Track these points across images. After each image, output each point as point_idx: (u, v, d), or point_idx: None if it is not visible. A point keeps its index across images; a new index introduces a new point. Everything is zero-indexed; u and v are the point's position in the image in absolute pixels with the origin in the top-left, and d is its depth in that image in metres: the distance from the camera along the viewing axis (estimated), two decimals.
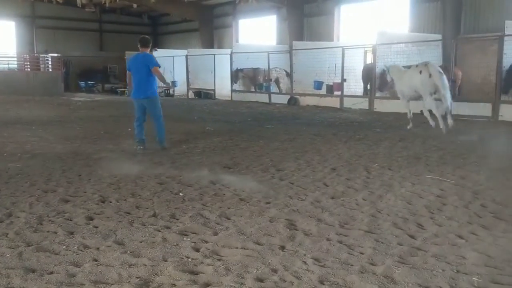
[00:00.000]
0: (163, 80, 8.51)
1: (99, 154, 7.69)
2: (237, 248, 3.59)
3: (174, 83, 24.71)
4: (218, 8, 27.24)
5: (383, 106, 15.24)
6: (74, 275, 3.05)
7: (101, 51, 31.53)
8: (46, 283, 2.93)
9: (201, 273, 3.12)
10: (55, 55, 26.07)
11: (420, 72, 9.92)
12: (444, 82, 9.85)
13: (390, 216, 4.38)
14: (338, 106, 16.68)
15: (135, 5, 25.52)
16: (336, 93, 17.22)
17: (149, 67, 7.91)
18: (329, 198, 5.02)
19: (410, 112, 10.93)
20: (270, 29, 24.63)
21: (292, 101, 18.29)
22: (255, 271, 3.14)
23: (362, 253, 3.46)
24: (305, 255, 3.42)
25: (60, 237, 3.74)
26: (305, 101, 18.13)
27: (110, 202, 4.83)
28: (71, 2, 25.17)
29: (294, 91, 18.78)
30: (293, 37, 20.83)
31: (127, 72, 8.46)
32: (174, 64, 24.19)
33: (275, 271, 3.15)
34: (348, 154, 7.72)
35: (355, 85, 17.30)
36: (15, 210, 4.45)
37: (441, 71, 10.02)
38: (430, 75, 9.74)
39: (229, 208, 4.64)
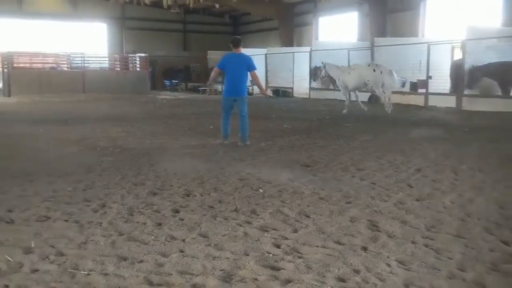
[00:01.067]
0: (260, 86, 8.90)
1: (183, 150, 8.00)
2: (317, 246, 3.57)
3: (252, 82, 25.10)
4: (299, 6, 27.17)
5: (472, 104, 14.41)
6: (162, 264, 3.20)
7: (184, 51, 32.71)
8: (136, 271, 3.10)
9: (282, 269, 3.15)
10: (143, 55, 27.42)
11: (374, 70, 13.67)
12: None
13: (481, 220, 4.14)
14: (422, 104, 16.00)
15: (217, 5, 26.16)
16: (420, 90, 16.54)
17: (247, 69, 8.17)
18: (413, 200, 4.84)
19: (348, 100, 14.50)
20: (351, 26, 24.15)
21: (373, 99, 17.83)
22: (336, 271, 3.11)
23: (450, 258, 3.31)
24: (388, 257, 3.33)
25: (149, 228, 3.94)
26: None
27: (195, 196, 5.01)
28: (157, 4, 26.37)
29: None
30: (374, 34, 20.28)
31: (216, 68, 8.53)
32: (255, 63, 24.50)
33: (357, 271, 3.10)
34: (433, 154, 7.40)
35: (440, 83, 16.50)
36: (108, 201, 4.75)
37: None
38: (381, 72, 13.50)
39: (308, 206, 4.63)
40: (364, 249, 3.50)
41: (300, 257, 3.34)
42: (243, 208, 4.54)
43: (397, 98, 16.99)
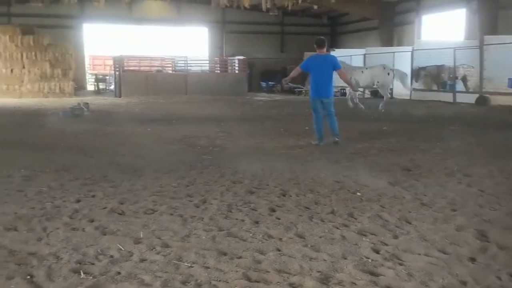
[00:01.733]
0: (349, 82, 8.96)
1: (279, 150, 8.09)
2: (419, 254, 3.41)
3: None
4: (400, 4, 26.18)
5: None
6: (259, 262, 3.26)
7: (282, 53, 33.01)
8: (236, 266, 3.19)
9: (382, 275, 3.05)
10: (241, 57, 28.15)
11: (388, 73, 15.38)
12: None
13: None
14: None
15: (315, 7, 26.04)
16: None
17: (333, 69, 8.21)
18: None
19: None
20: (457, 24, 22.75)
21: (481, 100, 16.66)
22: (440, 281, 2.95)
23: None
24: (499, 270, 3.10)
25: (247, 225, 4.04)
26: (496, 100, 16.35)
27: (290, 196, 5.04)
28: (256, 7, 26.89)
29: (483, 90, 17.06)
30: (484, 31, 18.91)
31: (298, 68, 8.74)
32: (351, 63, 24.07)
33: (464, 283, 2.91)
34: None
35: None
36: (208, 198, 4.94)
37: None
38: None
39: (409, 212, 4.45)
40: (472, 260, 3.28)
41: (401, 264, 3.22)
42: (340, 210, 4.48)
43: (508, 100, 15.75)
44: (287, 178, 5.83)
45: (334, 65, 8.34)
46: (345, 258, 3.33)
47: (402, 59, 21.00)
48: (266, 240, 3.70)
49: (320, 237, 3.76)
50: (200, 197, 4.97)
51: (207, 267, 3.16)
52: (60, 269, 3.13)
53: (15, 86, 22.71)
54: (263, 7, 25.25)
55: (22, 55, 22.77)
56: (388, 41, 26.13)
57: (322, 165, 6.73)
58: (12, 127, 11.23)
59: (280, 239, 3.72)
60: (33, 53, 22.91)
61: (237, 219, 4.22)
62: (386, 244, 3.60)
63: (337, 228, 3.98)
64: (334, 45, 31.08)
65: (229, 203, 4.71)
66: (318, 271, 3.11)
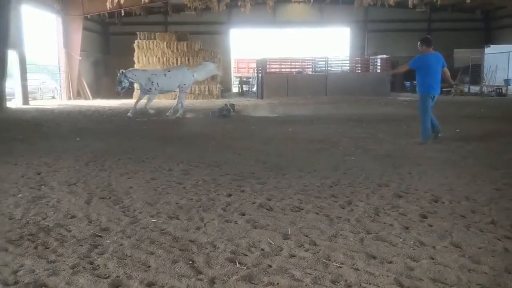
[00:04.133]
0: (450, 80, 9.43)
1: (427, 153, 7.66)
2: None
3: (508, 81, 22.40)
4: None
5: None
6: (412, 268, 3.13)
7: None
8: (386, 270, 3.11)
9: None
10: (384, 56, 27.28)
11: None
12: None
13: None
14: None
15: (468, 0, 24.07)
16: None
17: (442, 66, 8.63)
18: None
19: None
20: None
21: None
22: None
23: None
24: None
25: (396, 230, 3.90)
26: None
27: (443, 202, 4.74)
28: (401, 4, 25.83)
29: None
30: None
31: (406, 65, 9.16)
32: (509, 60, 21.84)
33: None
34: None
35: None
36: (354, 199, 4.89)
37: None
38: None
39: None
40: None
41: None
42: (501, 221, 4.09)
43: None
44: (438, 183, 5.50)
45: (443, 63, 8.70)
46: (509, 273, 3.04)
47: None
48: (418, 247, 3.53)
49: (479, 248, 3.47)
50: (345, 198, 4.94)
51: (357, 269, 3.13)
52: (217, 257, 3.36)
53: None
54: (410, 3, 24.20)
55: (177, 60, 25.00)
56: None
57: (477, 170, 6.21)
58: (170, 126, 12.37)
59: (434, 247, 3.52)
60: (186, 58, 25.03)
61: (385, 223, 4.10)
62: None
63: (499, 239, 3.64)
64: (488, 41, 28.51)
65: (376, 206, 4.60)
66: (478, 284, 2.89)
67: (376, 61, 27.76)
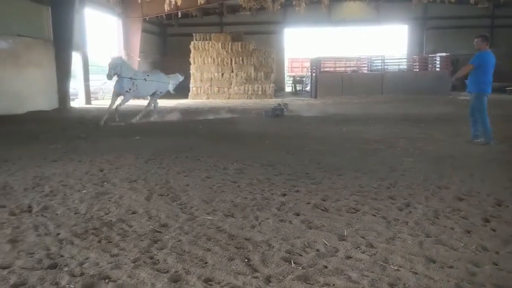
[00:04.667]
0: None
1: (489, 155, 7.36)
2: None
3: None
4: None
5: None
6: (474, 274, 3.02)
7: (489, 48, 29.83)
8: (447, 275, 3.01)
9: None
10: (443, 54, 26.33)
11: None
12: None
13: None
14: None
15: None
16: None
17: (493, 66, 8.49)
18: None
19: None
20: None
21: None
22: None
23: None
24: None
25: (457, 234, 3.77)
26: None
27: (507, 206, 4.54)
28: (462, 0, 24.86)
29: None
30: None
31: (470, 65, 8.63)
32: None
33: None
34: None
35: None
36: (412, 201, 4.76)
37: None
38: None
39: None
40: None
41: None
42: None
43: None
44: (503, 187, 5.26)
45: (495, 62, 8.57)
46: None
47: None
48: (480, 252, 3.40)
49: None
50: (403, 200, 4.82)
51: (415, 273, 3.06)
52: (272, 256, 3.39)
53: (225, 88, 25.43)
54: None
55: (231, 60, 25.33)
56: None
57: None
58: (226, 124, 12.55)
59: (497, 252, 3.38)
60: (241, 58, 25.29)
61: (445, 226, 3.97)
62: None
63: None
64: None
65: (436, 209, 4.46)
66: None
67: (435, 59, 26.82)
